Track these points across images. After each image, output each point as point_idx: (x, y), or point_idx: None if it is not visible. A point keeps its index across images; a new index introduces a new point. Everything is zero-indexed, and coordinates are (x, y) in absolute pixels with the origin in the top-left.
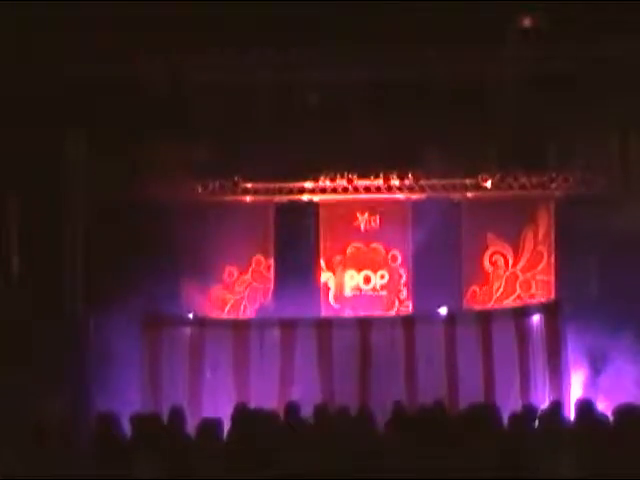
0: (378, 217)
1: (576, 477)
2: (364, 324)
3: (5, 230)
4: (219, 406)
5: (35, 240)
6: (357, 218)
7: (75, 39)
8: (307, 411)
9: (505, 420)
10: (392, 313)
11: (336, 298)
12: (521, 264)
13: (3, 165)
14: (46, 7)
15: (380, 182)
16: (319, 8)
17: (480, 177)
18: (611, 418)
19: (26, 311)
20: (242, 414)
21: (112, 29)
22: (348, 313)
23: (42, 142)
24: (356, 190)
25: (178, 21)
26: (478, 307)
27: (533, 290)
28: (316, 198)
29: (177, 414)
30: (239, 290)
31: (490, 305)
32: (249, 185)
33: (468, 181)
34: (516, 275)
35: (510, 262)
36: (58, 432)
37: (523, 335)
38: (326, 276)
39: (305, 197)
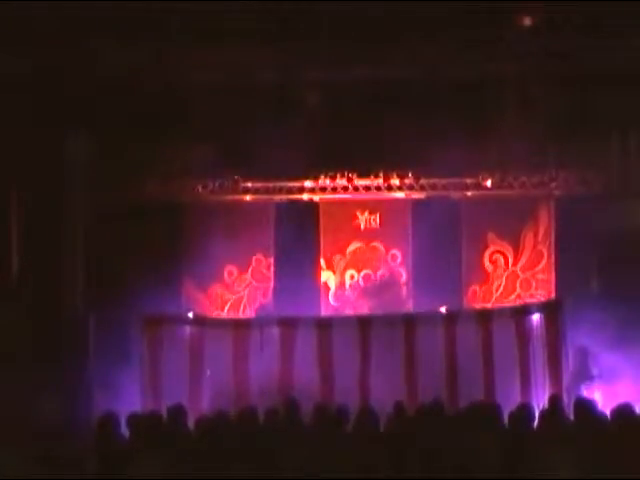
0: (378, 216)
1: (576, 476)
2: (364, 323)
3: (5, 230)
4: (219, 405)
5: (35, 240)
6: (357, 217)
7: (75, 39)
8: (307, 410)
9: (505, 419)
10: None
11: (336, 297)
12: (521, 263)
13: (3, 165)
14: (46, 6)
15: (380, 181)
16: (319, 6)
17: (480, 176)
18: (610, 417)
19: (26, 311)
20: (243, 413)
21: (112, 28)
22: (348, 312)
23: (42, 142)
24: (356, 189)
25: (178, 20)
26: (478, 306)
27: (533, 289)
28: (316, 197)
29: (178, 413)
30: (239, 289)
31: (490, 304)
32: (249, 184)
33: (468, 180)
34: (516, 274)
35: (510, 261)
36: (58, 432)
37: (523, 334)
38: (326, 275)
39: (305, 196)
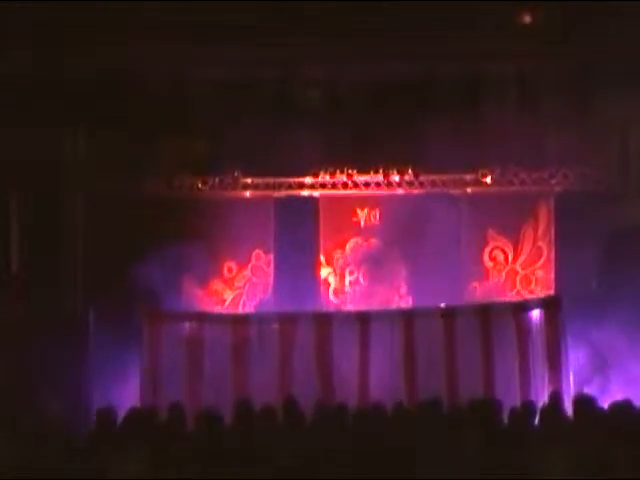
0: (378, 213)
1: (575, 475)
2: (363, 319)
3: (5, 229)
4: (218, 401)
5: (35, 238)
6: (357, 213)
7: (75, 36)
8: (306, 406)
9: (505, 415)
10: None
11: (336, 293)
12: (521, 260)
13: (3, 162)
14: (46, 4)
15: (380, 178)
16: (319, 3)
17: (480, 173)
18: (610, 414)
19: (26, 307)
20: (241, 409)
21: (111, 27)
22: (348, 308)
23: (42, 140)
24: (356, 185)
25: (176, 18)
26: (478, 302)
27: (533, 286)
28: (316, 193)
29: (176, 409)
30: (239, 285)
31: (490, 301)
32: (249, 180)
33: (468, 177)
34: (516, 271)
35: (510, 258)
36: (58, 431)
37: (523, 330)
38: (326, 271)
39: (305, 192)
